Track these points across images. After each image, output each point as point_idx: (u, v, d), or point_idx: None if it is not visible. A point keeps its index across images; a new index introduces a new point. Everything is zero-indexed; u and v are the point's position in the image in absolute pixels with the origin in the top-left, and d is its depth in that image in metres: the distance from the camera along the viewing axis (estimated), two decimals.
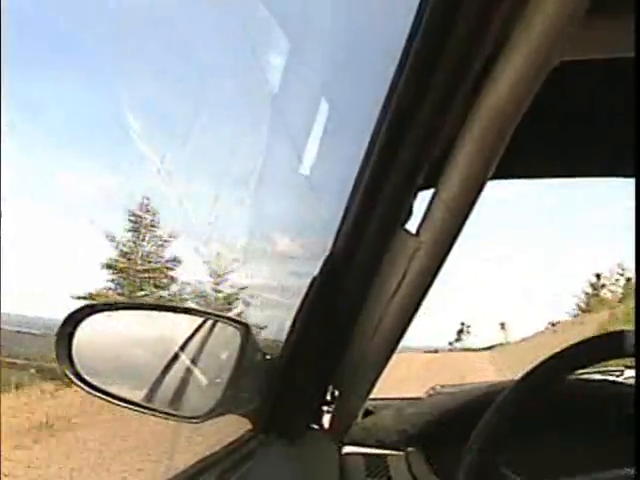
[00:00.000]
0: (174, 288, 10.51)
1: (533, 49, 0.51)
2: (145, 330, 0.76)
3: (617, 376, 1.10)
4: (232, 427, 0.84)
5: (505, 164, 0.59)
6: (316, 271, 0.76)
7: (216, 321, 0.77)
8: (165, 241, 10.64)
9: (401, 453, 0.96)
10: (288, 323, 0.77)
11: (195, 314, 0.78)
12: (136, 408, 0.69)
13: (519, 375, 0.73)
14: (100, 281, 10.05)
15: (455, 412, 1.00)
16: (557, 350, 0.71)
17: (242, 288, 9.07)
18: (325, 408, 0.89)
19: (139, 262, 10.41)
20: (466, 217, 0.62)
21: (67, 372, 0.66)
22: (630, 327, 0.65)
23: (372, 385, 0.83)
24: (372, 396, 0.89)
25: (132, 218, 10.43)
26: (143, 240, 10.49)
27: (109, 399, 0.67)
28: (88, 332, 0.68)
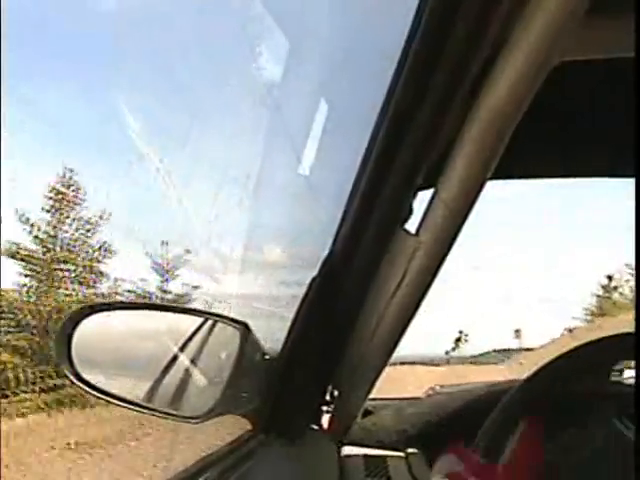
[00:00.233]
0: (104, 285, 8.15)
1: (533, 49, 0.51)
2: (144, 330, 0.76)
3: (617, 376, 1.10)
4: (232, 427, 0.84)
5: (505, 164, 0.59)
6: (315, 271, 0.76)
7: (216, 321, 0.77)
8: (93, 225, 8.07)
9: (401, 454, 0.96)
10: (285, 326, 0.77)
11: (195, 314, 0.78)
12: (136, 408, 0.69)
13: (524, 375, 0.73)
14: None
15: (455, 412, 1.00)
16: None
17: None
18: (325, 408, 0.89)
19: (57, 250, 7.93)
20: (466, 217, 0.62)
21: (67, 372, 0.66)
22: None
23: (371, 385, 0.83)
24: (372, 396, 0.89)
25: (51, 194, 7.84)
26: (63, 223, 7.96)
27: (109, 399, 0.67)
28: (87, 332, 0.68)
